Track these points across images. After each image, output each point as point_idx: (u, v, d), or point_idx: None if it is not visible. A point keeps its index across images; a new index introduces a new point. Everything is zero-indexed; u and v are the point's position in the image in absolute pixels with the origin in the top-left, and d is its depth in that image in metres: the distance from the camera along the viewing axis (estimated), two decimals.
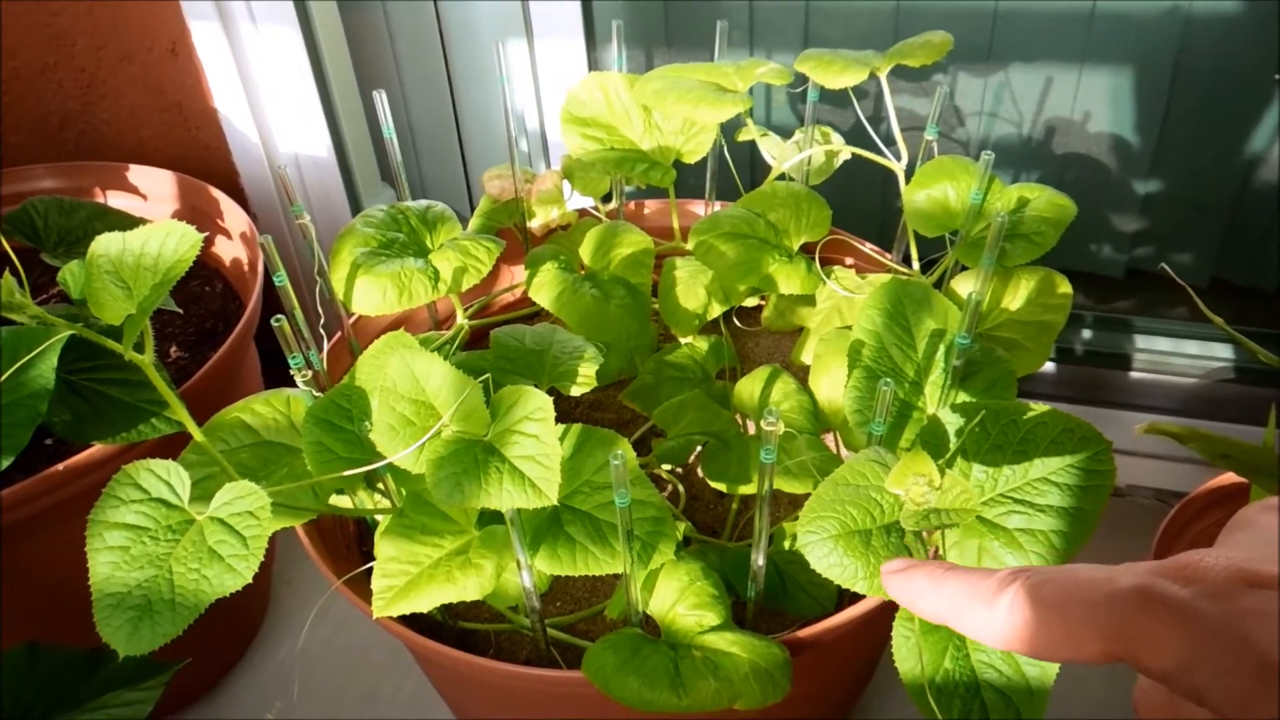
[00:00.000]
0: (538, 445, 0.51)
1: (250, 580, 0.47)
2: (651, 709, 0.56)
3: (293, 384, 0.65)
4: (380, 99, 0.74)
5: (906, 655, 0.54)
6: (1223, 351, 1.05)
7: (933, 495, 0.47)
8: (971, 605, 0.28)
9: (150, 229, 0.50)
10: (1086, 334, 1.08)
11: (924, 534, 0.53)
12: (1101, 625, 0.25)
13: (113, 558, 0.47)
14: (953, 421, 0.53)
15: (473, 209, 0.88)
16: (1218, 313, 0.73)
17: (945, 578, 0.29)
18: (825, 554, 0.49)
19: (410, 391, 0.53)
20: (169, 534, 0.48)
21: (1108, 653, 0.25)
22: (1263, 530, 0.25)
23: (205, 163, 1.11)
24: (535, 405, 0.52)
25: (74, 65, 1.06)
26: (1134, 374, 1.05)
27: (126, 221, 0.94)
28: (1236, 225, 1.04)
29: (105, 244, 0.50)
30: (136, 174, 1.04)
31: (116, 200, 1.05)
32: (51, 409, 0.71)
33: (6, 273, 0.43)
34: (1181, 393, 1.04)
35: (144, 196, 1.04)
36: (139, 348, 0.50)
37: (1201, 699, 0.23)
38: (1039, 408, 0.52)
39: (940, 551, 0.52)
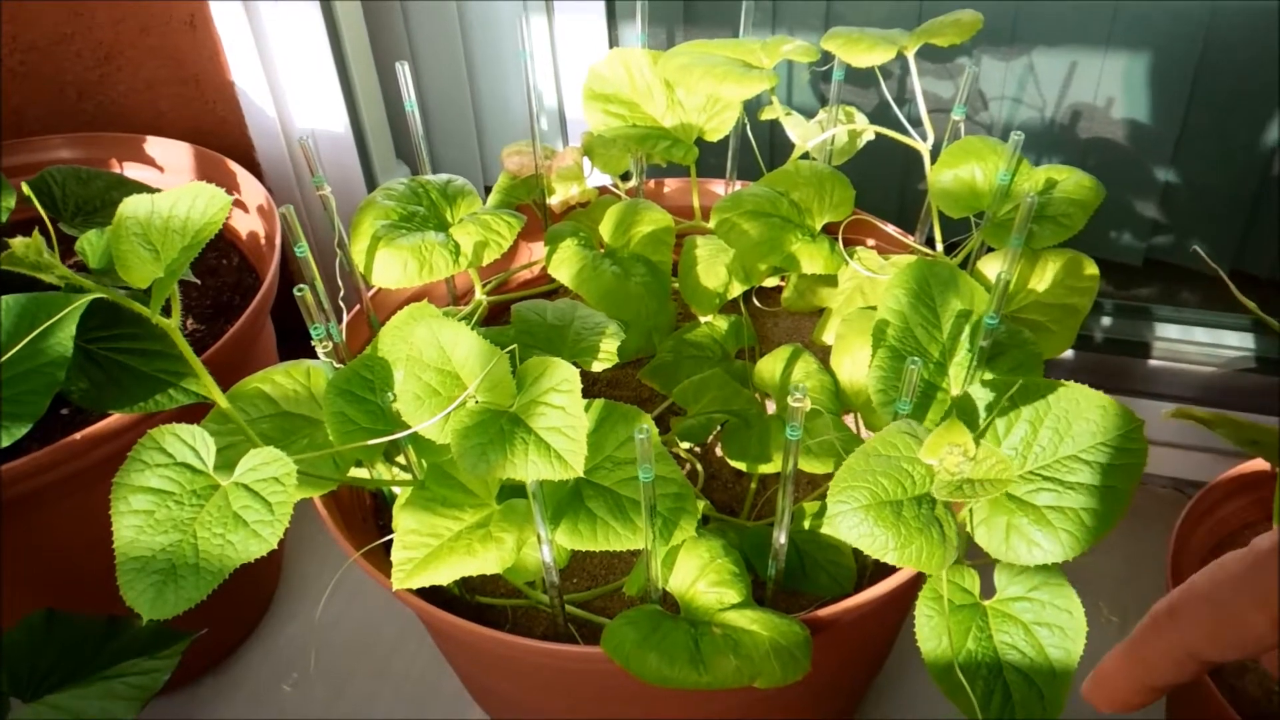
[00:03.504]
0: (564, 417, 0.51)
1: (275, 546, 0.47)
2: (671, 685, 0.56)
3: (310, 357, 0.64)
4: (403, 71, 0.74)
5: (929, 635, 0.54)
6: (1243, 340, 1.04)
7: (967, 465, 0.46)
8: (1149, 649, 0.29)
9: (179, 191, 0.50)
10: (1105, 321, 1.07)
11: (952, 508, 0.52)
12: (1259, 590, 0.25)
13: (137, 521, 0.47)
14: (983, 397, 0.53)
15: (486, 187, 0.88)
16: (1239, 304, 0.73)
17: (1119, 649, 0.30)
18: (855, 524, 0.49)
19: (436, 361, 0.53)
20: (194, 499, 0.48)
21: (1272, 617, 0.25)
22: None
23: (221, 136, 1.10)
24: (562, 377, 0.52)
25: (92, 36, 1.05)
26: (1152, 361, 1.05)
27: (144, 192, 0.94)
28: (1259, 217, 1.03)
29: (134, 205, 0.50)
30: (153, 145, 1.04)
31: (133, 172, 1.04)
32: (69, 377, 0.71)
33: (35, 231, 0.43)
34: (1200, 381, 1.03)
35: (160, 168, 1.04)
36: (165, 313, 0.49)
37: None
38: (1071, 385, 0.52)
39: (969, 528, 0.52)
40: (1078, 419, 0.50)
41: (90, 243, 0.79)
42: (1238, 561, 0.26)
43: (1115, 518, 0.49)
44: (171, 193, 0.50)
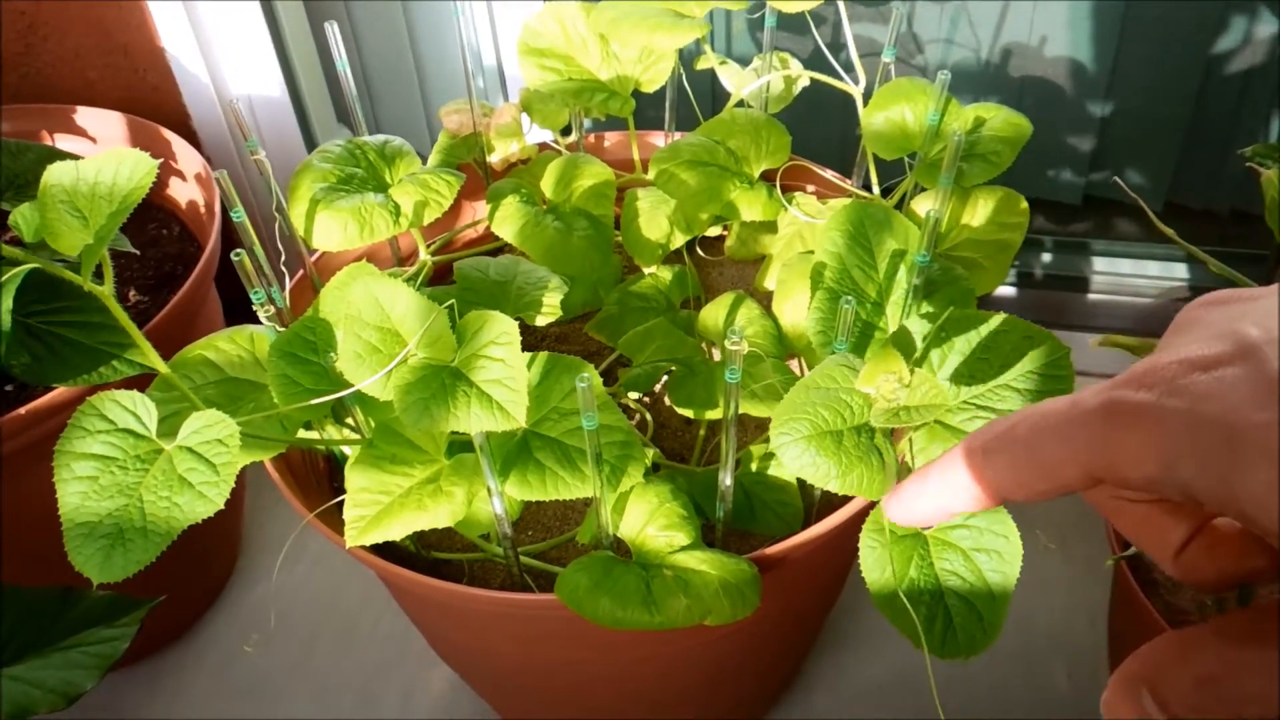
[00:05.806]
0: (504, 369, 0.52)
1: (222, 506, 0.47)
2: (624, 627, 0.57)
3: (255, 324, 0.64)
4: (332, 30, 0.73)
5: (873, 565, 0.56)
6: (1178, 271, 1.07)
7: (903, 393, 0.48)
8: (955, 478, 0.29)
9: (103, 156, 0.49)
10: (1045, 258, 1.09)
11: (892, 437, 0.54)
12: (1077, 449, 0.25)
13: (82, 488, 0.47)
14: (919, 329, 0.54)
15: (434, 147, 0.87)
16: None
17: (926, 471, 0.30)
18: (798, 454, 0.50)
19: (376, 319, 0.53)
20: (138, 463, 0.48)
21: (1088, 474, 0.25)
22: (1205, 324, 0.25)
23: (155, 105, 1.08)
24: (501, 330, 0.52)
25: (12, 6, 1.02)
26: (1092, 296, 1.07)
27: None
28: (1191, 150, 1.05)
29: (59, 173, 0.49)
30: (84, 116, 1.02)
31: (65, 143, 1.02)
32: (10, 352, 0.70)
33: None
34: (1137, 312, 1.06)
35: (93, 139, 1.02)
36: (98, 280, 0.49)
37: (1190, 491, 0.23)
38: (1000, 316, 0.53)
39: (908, 458, 0.53)
40: (1007, 348, 0.52)
41: (24, 216, 0.77)
42: (1059, 415, 0.26)
43: None
44: (96, 159, 0.50)
